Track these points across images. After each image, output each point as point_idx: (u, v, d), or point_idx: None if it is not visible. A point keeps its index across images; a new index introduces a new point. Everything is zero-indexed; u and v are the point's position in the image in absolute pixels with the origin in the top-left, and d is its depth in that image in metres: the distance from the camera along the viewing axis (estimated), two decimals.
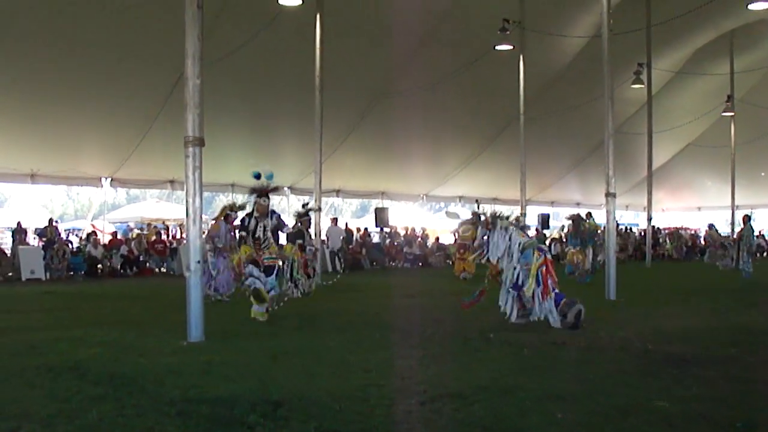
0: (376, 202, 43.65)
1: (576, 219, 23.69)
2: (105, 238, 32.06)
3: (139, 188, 42.05)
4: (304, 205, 20.51)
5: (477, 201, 13.50)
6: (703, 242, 43.17)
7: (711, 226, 34.76)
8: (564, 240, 33.21)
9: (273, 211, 14.10)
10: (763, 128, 44.28)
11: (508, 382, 7.92)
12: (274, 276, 13.96)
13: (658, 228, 42.52)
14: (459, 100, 36.21)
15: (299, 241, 19.03)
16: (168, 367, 8.90)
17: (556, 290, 12.26)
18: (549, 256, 12.78)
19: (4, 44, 25.06)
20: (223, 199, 42.03)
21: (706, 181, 53.17)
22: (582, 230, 23.23)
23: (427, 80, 32.59)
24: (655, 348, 10.20)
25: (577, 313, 12.00)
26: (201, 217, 11.64)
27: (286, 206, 40.56)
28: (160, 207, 42.13)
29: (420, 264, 37.06)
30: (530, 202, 39.90)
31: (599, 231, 23.28)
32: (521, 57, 31.28)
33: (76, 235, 35.89)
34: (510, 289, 12.53)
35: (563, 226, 34.45)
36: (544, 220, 43.59)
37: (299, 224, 19.45)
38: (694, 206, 56.51)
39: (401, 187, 42.86)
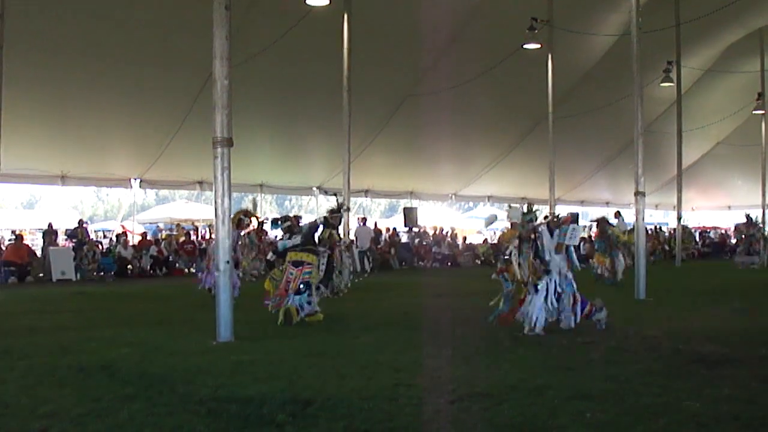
0: (404, 202, 43.61)
1: (601, 222, 23.32)
2: (134, 239, 32.23)
3: (168, 189, 42.26)
4: (338, 200, 20.36)
5: (526, 202, 13.16)
6: (734, 241, 42.84)
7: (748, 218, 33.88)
8: (591, 241, 32.90)
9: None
10: None
11: (537, 382, 7.90)
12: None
13: (686, 227, 42.14)
14: (487, 100, 36.08)
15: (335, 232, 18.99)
16: (198, 366, 8.95)
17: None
18: None
19: (34, 48, 25.18)
20: (252, 200, 42.09)
21: (736, 180, 52.75)
22: (608, 235, 22.79)
23: (455, 80, 32.51)
24: (685, 348, 10.15)
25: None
26: (230, 218, 11.70)
27: (315, 206, 40.65)
28: (189, 208, 42.30)
29: (449, 264, 37.01)
30: (559, 201, 39.67)
31: (621, 239, 22.75)
32: (550, 56, 31.12)
33: (106, 237, 36.09)
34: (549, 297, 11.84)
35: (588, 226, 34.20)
36: (574, 220, 43.39)
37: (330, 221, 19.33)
38: (724, 205, 56.07)
39: (430, 187, 42.80)
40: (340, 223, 19.90)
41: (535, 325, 11.54)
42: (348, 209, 25.14)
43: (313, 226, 14.59)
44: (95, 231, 39.21)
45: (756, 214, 38.67)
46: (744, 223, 32.67)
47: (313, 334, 11.88)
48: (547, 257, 11.84)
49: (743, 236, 32.40)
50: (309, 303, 13.51)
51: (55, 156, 29.64)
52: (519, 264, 11.80)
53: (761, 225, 33.82)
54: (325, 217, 15.50)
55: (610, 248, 22.07)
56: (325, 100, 29.53)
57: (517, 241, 11.97)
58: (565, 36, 31.37)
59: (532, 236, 11.95)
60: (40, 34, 25.00)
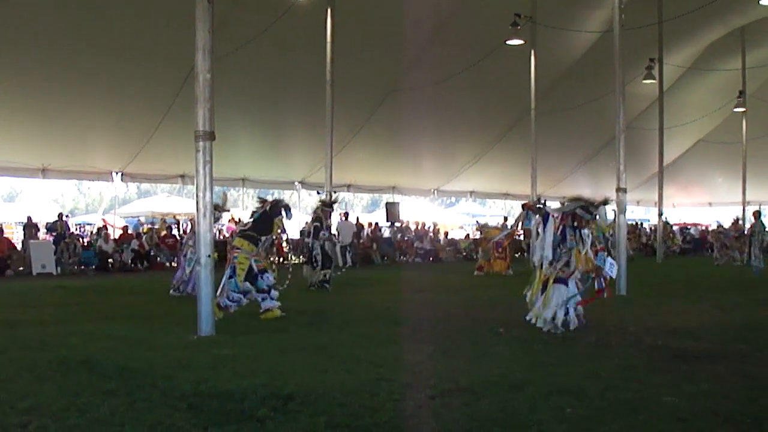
0: (387, 197, 43.60)
1: None
2: (116, 233, 32.09)
3: (150, 183, 42.07)
4: (331, 195, 20.32)
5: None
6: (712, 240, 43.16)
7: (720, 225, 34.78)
8: None
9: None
10: None
11: (517, 377, 7.94)
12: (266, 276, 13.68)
13: (667, 223, 42.36)
14: (470, 95, 36.14)
15: (315, 224, 19.15)
16: (178, 361, 8.94)
17: None
18: None
19: (15, 40, 25.08)
20: (233, 194, 41.99)
21: (717, 177, 53.01)
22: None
23: (438, 75, 32.55)
24: (665, 343, 10.22)
25: None
26: (212, 212, 11.67)
27: (297, 200, 40.59)
28: (170, 201, 42.18)
29: (431, 259, 37.04)
30: (541, 197, 39.79)
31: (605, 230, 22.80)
32: (532, 52, 31.22)
33: (91, 232, 35.95)
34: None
35: None
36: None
37: (320, 213, 19.46)
38: (705, 202, 56.37)
39: (412, 182, 42.83)
40: (329, 217, 20.06)
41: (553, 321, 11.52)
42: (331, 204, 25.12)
43: (264, 214, 14.16)
44: (76, 224, 39.01)
45: (736, 211, 39.11)
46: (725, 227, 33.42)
47: (294, 329, 11.87)
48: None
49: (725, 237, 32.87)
50: (259, 297, 13.33)
51: (36, 149, 29.45)
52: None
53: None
54: (273, 204, 15.05)
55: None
56: (308, 95, 29.51)
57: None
58: (548, 32, 31.47)
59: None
60: (21, 26, 24.86)
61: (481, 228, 27.32)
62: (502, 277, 24.06)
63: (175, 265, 29.66)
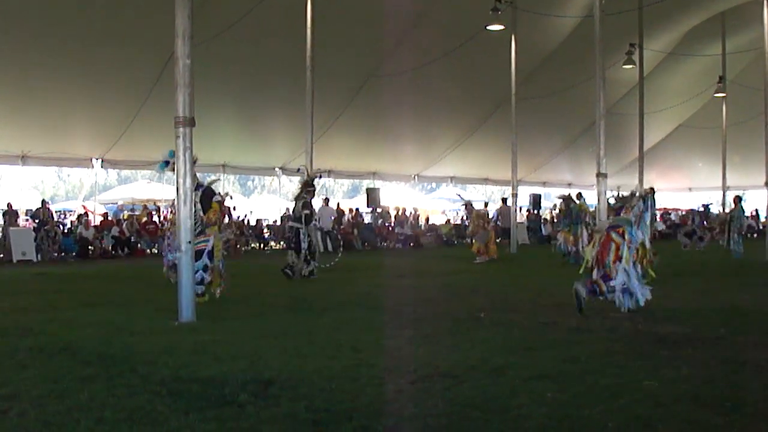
0: (367, 183, 43.63)
1: (566, 199, 23.62)
2: (96, 219, 31.97)
3: (130, 169, 41.79)
4: (319, 174, 20.08)
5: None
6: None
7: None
8: (555, 221, 33.38)
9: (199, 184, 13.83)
10: (755, 109, 44.09)
11: (498, 362, 7.94)
12: (203, 259, 13.48)
13: None
14: (451, 81, 36.12)
15: (306, 212, 18.78)
16: (159, 347, 8.91)
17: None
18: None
19: None
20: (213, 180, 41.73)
21: (697, 162, 53.23)
22: (570, 210, 23.11)
23: (418, 61, 32.51)
24: (645, 328, 10.24)
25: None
26: (192, 198, 11.63)
27: (278, 186, 40.57)
28: (151, 188, 42.02)
29: (411, 244, 37.07)
30: (522, 183, 39.90)
31: (588, 212, 23.05)
32: (513, 37, 31.22)
33: (69, 220, 35.80)
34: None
35: (555, 205, 34.39)
36: (536, 201, 43.61)
37: (304, 195, 19.14)
38: (685, 187, 56.58)
39: (393, 168, 42.77)
40: (313, 197, 19.77)
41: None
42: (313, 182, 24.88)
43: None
44: (56, 211, 38.89)
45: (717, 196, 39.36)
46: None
47: (274, 314, 11.87)
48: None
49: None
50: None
51: (15, 135, 29.28)
52: None
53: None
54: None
55: (573, 225, 22.42)
56: (288, 81, 29.45)
57: None
58: (529, 17, 31.48)
59: None
60: None
61: (468, 204, 26.87)
62: (486, 262, 24.09)
63: (156, 251, 29.72)
